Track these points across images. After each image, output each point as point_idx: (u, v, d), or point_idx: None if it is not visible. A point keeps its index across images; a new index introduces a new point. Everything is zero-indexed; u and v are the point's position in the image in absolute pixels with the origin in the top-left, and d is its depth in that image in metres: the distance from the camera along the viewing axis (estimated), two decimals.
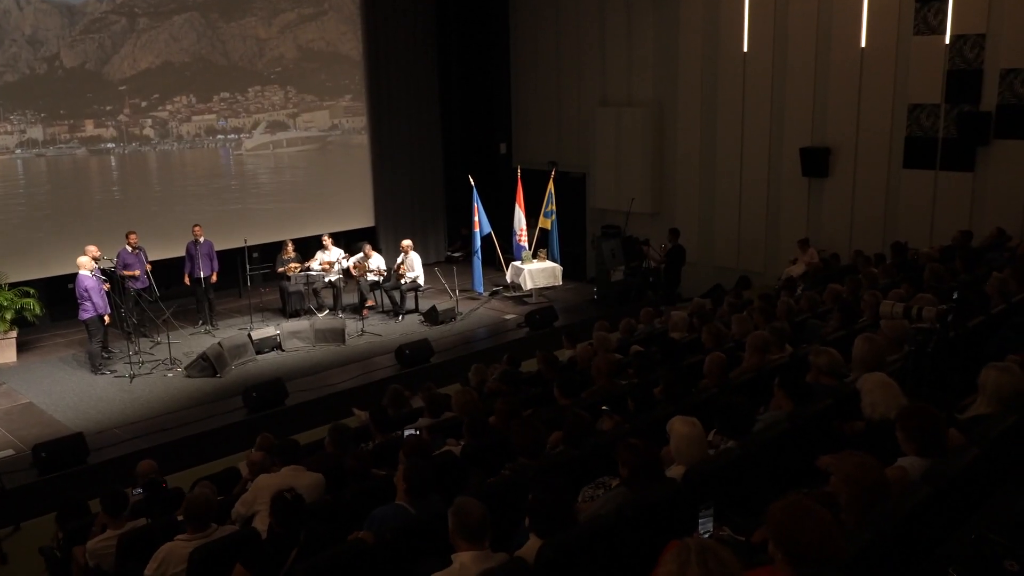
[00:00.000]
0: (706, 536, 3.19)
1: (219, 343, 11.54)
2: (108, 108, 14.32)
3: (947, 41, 12.09)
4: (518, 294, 14.84)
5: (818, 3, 13.31)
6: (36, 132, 13.57)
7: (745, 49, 14.27)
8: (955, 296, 5.29)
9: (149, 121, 14.72)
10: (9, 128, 13.32)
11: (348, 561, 4.09)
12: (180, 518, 5.39)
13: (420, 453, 5.52)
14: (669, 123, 15.74)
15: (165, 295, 13.14)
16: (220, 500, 6.12)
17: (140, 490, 5.66)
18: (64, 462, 8.65)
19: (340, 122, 16.87)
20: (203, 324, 13.32)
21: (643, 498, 3.84)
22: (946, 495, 3.30)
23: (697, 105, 15.16)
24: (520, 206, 15.12)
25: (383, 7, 16.78)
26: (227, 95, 15.56)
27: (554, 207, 15.02)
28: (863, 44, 12.90)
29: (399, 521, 4.41)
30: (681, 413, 4.75)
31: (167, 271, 13.51)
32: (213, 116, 15.41)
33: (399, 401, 8.05)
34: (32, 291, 12.39)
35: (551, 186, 15.06)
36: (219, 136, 15.54)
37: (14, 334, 12.12)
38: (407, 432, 6.01)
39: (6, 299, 11.92)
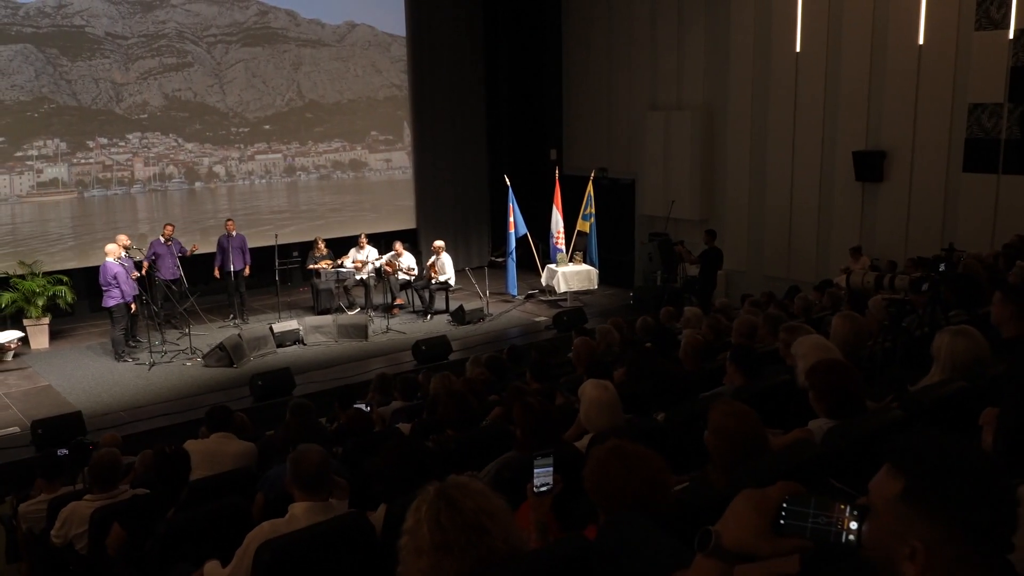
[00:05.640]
0: (543, 490, 2.73)
1: (238, 334, 11.49)
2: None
3: (1011, 36, 11.25)
4: (553, 297, 14.42)
5: None
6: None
7: (798, 49, 13.64)
8: (941, 268, 4.72)
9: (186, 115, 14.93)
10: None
11: (218, 519, 3.80)
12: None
13: (361, 426, 5.33)
14: (719, 126, 15.16)
15: (201, 290, 13.20)
16: None
17: (65, 451, 5.50)
18: (61, 439, 8.60)
19: (384, 125, 16.82)
20: (233, 318, 13.32)
21: (523, 459, 3.43)
22: (842, 457, 2.80)
23: (747, 107, 14.55)
24: (557, 208, 14.74)
25: (430, 12, 16.72)
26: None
27: (593, 210, 14.59)
28: (921, 41, 12.13)
29: None
30: (636, 392, 4.35)
31: (204, 266, 13.56)
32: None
33: (385, 386, 7.91)
34: (65, 279, 12.56)
35: (590, 188, 14.64)
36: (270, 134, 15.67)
37: (46, 321, 12.31)
38: (355, 406, 5.74)
39: (38, 286, 12.12)
